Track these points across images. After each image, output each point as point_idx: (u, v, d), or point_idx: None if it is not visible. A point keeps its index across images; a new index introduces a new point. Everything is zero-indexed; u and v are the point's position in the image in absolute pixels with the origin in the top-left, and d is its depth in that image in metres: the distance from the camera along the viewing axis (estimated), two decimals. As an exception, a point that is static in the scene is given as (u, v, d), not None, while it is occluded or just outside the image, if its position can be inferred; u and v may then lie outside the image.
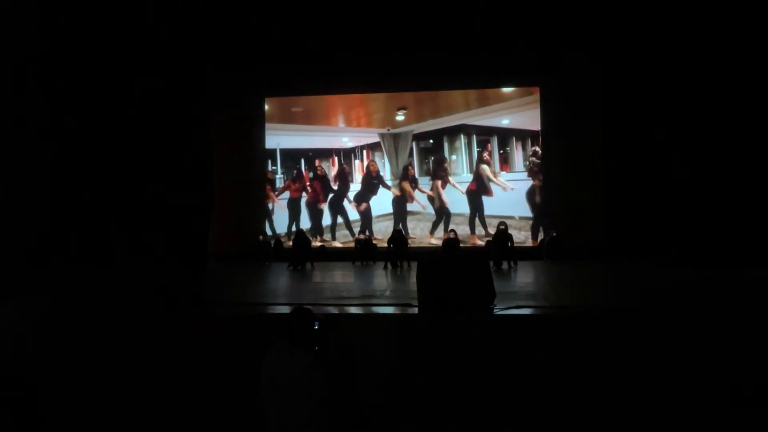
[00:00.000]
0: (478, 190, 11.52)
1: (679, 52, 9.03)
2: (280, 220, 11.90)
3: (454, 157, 11.68)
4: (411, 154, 11.71)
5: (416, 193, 11.74)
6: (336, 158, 11.85)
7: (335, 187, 11.96)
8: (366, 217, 11.78)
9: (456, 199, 11.67)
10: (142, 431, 3.97)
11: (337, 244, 11.64)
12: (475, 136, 11.59)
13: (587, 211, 10.50)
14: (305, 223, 11.87)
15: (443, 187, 11.67)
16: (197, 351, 4.61)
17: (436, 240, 11.45)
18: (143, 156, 9.74)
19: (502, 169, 11.50)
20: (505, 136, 11.45)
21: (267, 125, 11.76)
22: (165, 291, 5.83)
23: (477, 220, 11.54)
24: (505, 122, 11.43)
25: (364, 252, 10.72)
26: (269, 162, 12.03)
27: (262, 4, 9.39)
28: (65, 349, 4.34)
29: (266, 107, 11.73)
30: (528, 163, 11.32)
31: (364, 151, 11.78)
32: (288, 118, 11.87)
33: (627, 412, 3.83)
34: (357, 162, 11.76)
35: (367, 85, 11.45)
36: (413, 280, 6.09)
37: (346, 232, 11.79)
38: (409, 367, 4.40)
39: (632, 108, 9.62)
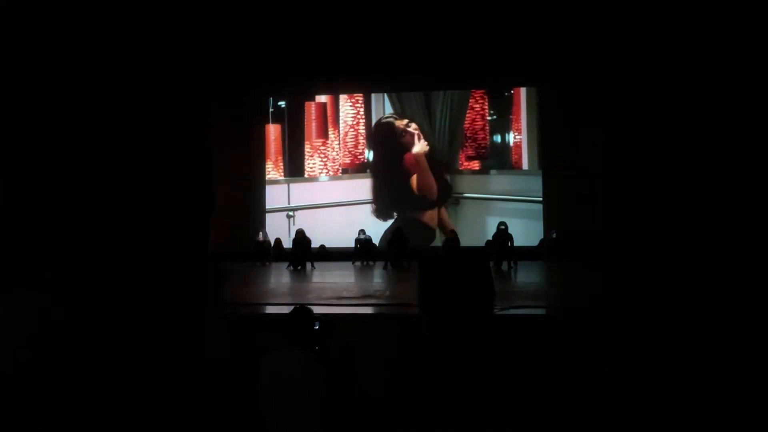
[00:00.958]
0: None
1: (679, 51, 9.04)
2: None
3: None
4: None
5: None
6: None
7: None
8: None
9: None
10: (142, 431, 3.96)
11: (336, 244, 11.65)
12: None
13: (587, 211, 10.48)
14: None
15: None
16: (197, 351, 4.60)
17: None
18: (143, 156, 9.75)
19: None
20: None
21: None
22: (165, 291, 5.82)
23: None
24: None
25: (364, 252, 10.71)
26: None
27: (262, 4, 9.39)
28: (64, 348, 4.34)
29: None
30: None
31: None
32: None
33: (627, 411, 3.83)
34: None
35: (367, 86, 11.45)
36: (413, 280, 6.08)
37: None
38: (409, 367, 4.39)
39: (632, 107, 9.62)
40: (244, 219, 11.51)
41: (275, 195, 12.04)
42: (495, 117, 11.65)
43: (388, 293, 7.10)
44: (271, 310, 6.21)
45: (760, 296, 5.10)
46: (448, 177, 11.64)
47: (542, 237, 11.06)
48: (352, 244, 10.85)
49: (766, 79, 8.39)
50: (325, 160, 12.05)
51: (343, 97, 11.87)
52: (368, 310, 6.06)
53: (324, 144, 12.01)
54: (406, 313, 5.60)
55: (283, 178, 12.11)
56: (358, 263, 10.56)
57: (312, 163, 12.02)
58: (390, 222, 11.65)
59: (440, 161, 11.64)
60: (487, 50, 9.93)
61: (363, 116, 11.93)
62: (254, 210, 11.73)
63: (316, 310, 2.82)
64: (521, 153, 11.56)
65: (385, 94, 11.79)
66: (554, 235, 10.45)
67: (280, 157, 12.15)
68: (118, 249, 8.79)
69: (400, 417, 3.77)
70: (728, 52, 8.64)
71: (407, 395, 4.09)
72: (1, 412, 3.71)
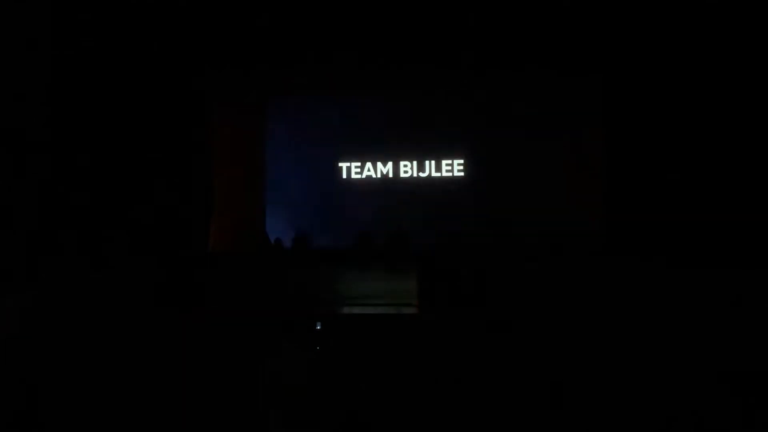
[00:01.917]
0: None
1: (679, 51, 9.04)
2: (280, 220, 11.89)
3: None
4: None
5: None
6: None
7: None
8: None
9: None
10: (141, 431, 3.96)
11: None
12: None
13: (587, 211, 10.48)
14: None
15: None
16: (197, 351, 4.60)
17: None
18: (143, 155, 9.76)
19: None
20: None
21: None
22: (164, 291, 5.82)
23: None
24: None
25: (363, 251, 10.72)
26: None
27: (263, 4, 9.40)
28: (62, 347, 4.34)
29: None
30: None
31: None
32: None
33: (629, 411, 3.83)
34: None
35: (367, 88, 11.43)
36: (413, 280, 6.08)
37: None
38: (409, 368, 4.39)
39: (633, 106, 9.63)
40: (244, 219, 11.50)
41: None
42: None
43: (388, 293, 7.10)
44: (271, 310, 6.20)
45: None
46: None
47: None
48: (352, 244, 10.87)
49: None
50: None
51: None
52: (368, 310, 6.05)
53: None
54: (406, 313, 5.60)
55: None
56: (357, 263, 10.53)
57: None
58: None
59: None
60: (485, 47, 9.92)
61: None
62: (254, 209, 11.73)
63: (316, 310, 2.81)
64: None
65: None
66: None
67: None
68: (117, 249, 8.79)
69: (400, 417, 3.77)
70: (733, 50, 8.64)
71: (407, 395, 4.08)
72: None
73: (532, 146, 10.95)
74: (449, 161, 11.37)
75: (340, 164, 11.57)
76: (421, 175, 11.43)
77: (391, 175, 11.50)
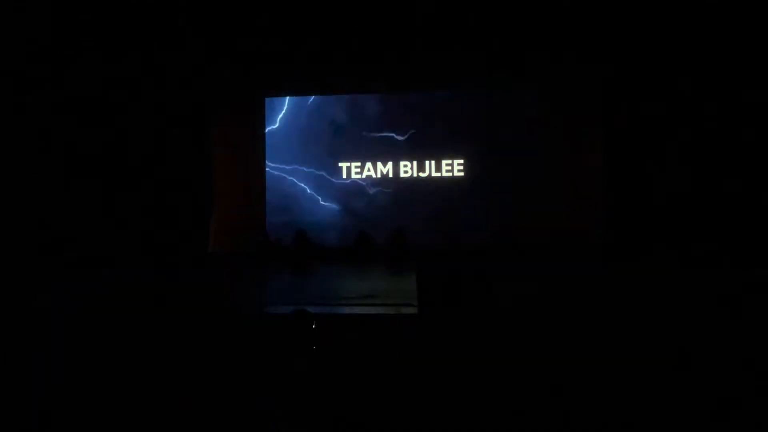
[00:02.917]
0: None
1: (679, 51, 9.03)
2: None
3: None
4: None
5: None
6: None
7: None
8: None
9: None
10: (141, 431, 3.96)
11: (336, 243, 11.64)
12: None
13: (587, 211, 10.48)
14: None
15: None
16: (196, 351, 4.60)
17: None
18: (143, 156, 9.76)
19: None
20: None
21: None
22: (164, 291, 5.83)
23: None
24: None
25: (363, 251, 10.73)
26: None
27: (263, 4, 9.41)
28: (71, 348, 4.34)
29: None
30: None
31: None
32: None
33: (628, 411, 3.83)
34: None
35: (367, 87, 11.43)
36: (413, 279, 6.08)
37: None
38: (408, 368, 4.39)
39: (633, 106, 9.62)
40: (244, 219, 11.50)
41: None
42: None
43: (387, 293, 7.10)
44: (270, 310, 6.21)
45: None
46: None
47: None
48: (352, 244, 10.88)
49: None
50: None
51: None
52: (368, 310, 6.06)
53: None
54: (406, 313, 5.61)
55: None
56: (357, 263, 10.54)
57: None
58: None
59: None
60: (483, 41, 9.91)
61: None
62: (254, 209, 11.73)
63: (317, 310, 2.82)
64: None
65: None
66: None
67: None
68: (116, 250, 8.80)
69: (400, 417, 3.77)
70: (733, 51, 8.63)
71: (407, 395, 4.08)
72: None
73: (532, 146, 10.98)
74: (449, 161, 11.37)
75: (340, 164, 11.57)
76: (421, 175, 11.43)
77: (391, 175, 11.51)
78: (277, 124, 11.65)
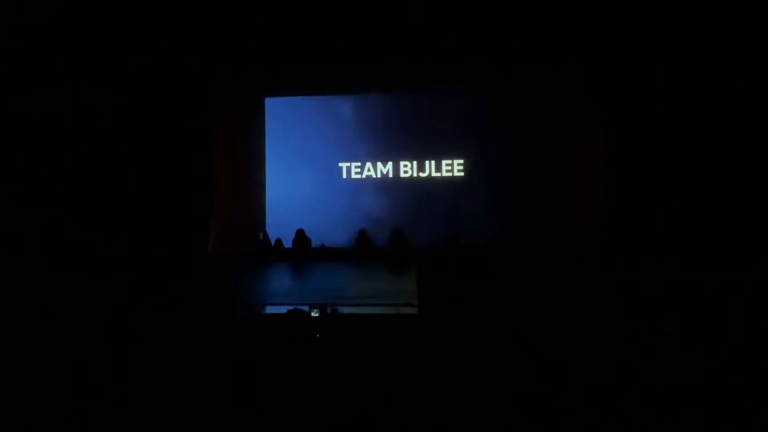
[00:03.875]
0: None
1: (680, 51, 9.03)
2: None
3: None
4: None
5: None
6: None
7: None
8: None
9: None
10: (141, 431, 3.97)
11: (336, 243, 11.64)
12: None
13: (587, 212, 10.48)
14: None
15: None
16: (196, 351, 4.61)
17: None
18: (143, 156, 9.77)
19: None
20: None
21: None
22: (164, 292, 5.83)
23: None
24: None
25: (363, 251, 10.73)
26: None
27: (263, 4, 9.41)
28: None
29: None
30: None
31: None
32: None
33: (627, 411, 3.83)
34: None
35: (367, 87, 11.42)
36: (413, 280, 6.09)
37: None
38: (408, 367, 4.39)
39: (632, 105, 9.62)
40: (244, 219, 11.50)
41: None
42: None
43: (387, 293, 7.10)
44: (269, 310, 6.22)
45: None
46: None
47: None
48: (352, 244, 10.88)
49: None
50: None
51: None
52: (368, 310, 6.06)
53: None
54: (406, 314, 5.61)
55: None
56: (357, 263, 10.54)
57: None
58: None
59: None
60: (482, 41, 9.91)
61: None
62: (254, 210, 11.74)
63: (315, 310, 2.82)
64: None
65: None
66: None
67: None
68: (117, 250, 8.80)
69: (400, 417, 3.77)
70: (732, 51, 8.63)
71: (407, 395, 4.09)
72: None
73: (532, 146, 10.97)
74: (449, 161, 11.37)
75: (340, 164, 11.56)
76: (421, 175, 11.43)
77: (391, 175, 11.50)
78: (277, 124, 11.65)
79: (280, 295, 7.33)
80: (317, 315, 2.50)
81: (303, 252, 10.34)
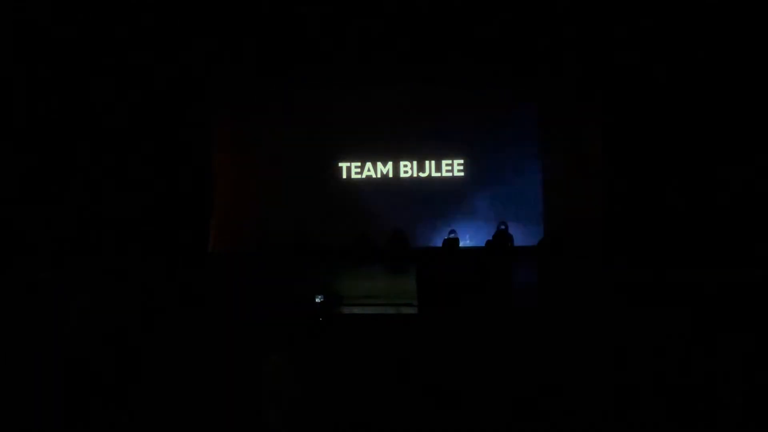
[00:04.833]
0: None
1: (680, 51, 9.03)
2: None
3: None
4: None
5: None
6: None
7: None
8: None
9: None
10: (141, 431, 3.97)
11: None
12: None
13: (587, 212, 10.47)
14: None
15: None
16: (196, 351, 4.61)
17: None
18: (143, 157, 9.77)
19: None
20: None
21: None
22: (164, 292, 5.83)
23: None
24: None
25: (363, 252, 10.73)
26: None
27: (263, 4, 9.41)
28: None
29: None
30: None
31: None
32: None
33: (626, 411, 3.83)
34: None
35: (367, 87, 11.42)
36: (413, 280, 6.09)
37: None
38: (409, 368, 4.40)
39: (632, 109, 9.62)
40: (244, 219, 11.49)
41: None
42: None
43: (387, 293, 7.11)
44: (268, 310, 6.20)
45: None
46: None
47: (541, 237, 11.04)
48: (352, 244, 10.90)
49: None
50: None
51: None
52: (368, 310, 6.06)
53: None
54: (406, 313, 5.61)
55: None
56: (357, 263, 10.51)
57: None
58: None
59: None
60: (485, 47, 9.91)
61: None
62: (254, 210, 11.72)
63: (314, 310, 2.82)
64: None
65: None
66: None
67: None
68: (117, 250, 8.80)
69: (399, 417, 3.77)
70: (732, 52, 8.62)
71: (407, 395, 4.09)
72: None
73: (532, 147, 10.98)
74: (449, 161, 11.36)
75: (340, 164, 11.55)
76: (421, 175, 11.42)
77: (391, 175, 11.49)
78: (277, 124, 11.63)
79: (279, 295, 7.32)
80: (321, 300, 2.51)
81: (303, 252, 10.34)
